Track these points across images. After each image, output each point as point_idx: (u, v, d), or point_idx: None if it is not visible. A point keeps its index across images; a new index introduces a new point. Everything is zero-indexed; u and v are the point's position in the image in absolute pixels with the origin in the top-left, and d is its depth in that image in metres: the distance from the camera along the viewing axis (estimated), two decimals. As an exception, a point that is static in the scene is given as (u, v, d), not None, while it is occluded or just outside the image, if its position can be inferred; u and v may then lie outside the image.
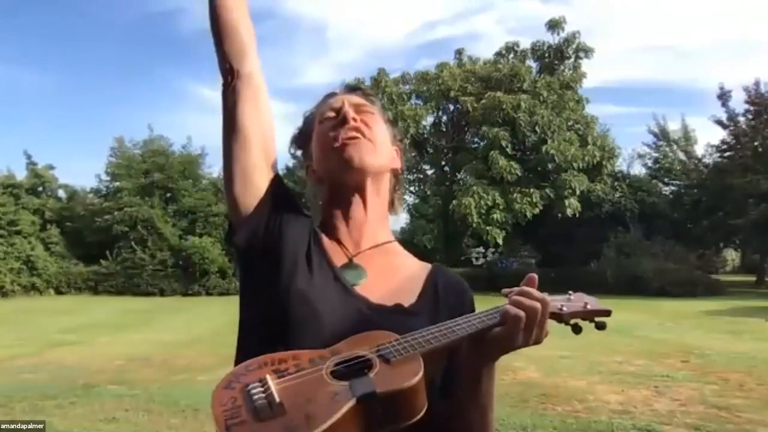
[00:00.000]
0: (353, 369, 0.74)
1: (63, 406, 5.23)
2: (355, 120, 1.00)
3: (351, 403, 0.69)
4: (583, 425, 4.56)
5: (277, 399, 0.70)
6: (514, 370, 6.59)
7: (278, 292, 0.89)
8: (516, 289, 0.84)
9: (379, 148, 1.02)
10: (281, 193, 1.00)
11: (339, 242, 1.00)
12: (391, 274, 0.99)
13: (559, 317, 0.89)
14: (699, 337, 9.22)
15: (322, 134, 1.02)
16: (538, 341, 0.83)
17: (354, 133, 0.99)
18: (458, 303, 0.98)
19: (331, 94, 1.09)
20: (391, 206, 1.10)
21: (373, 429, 0.71)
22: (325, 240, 1.00)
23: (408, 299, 0.94)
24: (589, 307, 0.91)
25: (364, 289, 0.94)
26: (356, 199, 1.01)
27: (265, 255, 0.93)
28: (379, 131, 1.04)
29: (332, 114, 1.03)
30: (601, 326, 0.93)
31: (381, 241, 1.02)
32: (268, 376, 0.73)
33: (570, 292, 0.94)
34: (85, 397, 5.57)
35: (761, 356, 7.42)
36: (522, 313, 0.80)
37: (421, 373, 0.73)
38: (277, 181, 1.01)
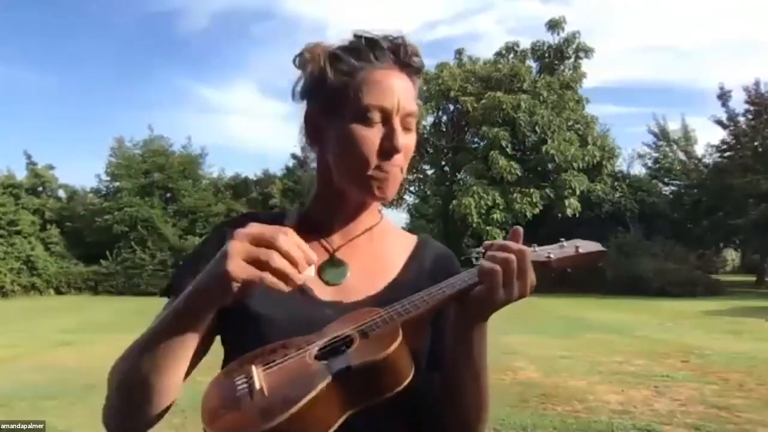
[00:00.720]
0: (335, 349, 0.74)
1: (63, 406, 5.24)
2: (400, 150, 0.86)
3: (327, 380, 0.68)
4: (583, 425, 4.56)
5: (257, 386, 0.70)
6: (514, 370, 6.59)
7: (241, 321, 0.84)
8: (495, 242, 0.80)
9: (404, 171, 0.91)
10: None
11: (318, 239, 0.93)
12: (376, 261, 0.95)
13: (548, 266, 0.83)
14: (699, 337, 9.21)
15: (357, 143, 0.85)
16: (522, 295, 0.78)
17: (393, 170, 0.87)
18: (447, 276, 0.91)
19: (378, 52, 0.87)
20: None
21: (355, 404, 0.70)
22: None
23: (390, 285, 0.91)
24: (581, 250, 0.85)
25: (346, 287, 0.90)
26: (355, 204, 0.94)
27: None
28: (411, 150, 0.91)
29: (377, 118, 0.86)
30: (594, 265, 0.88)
31: (368, 225, 0.97)
32: (253, 367, 0.74)
33: (562, 239, 0.87)
34: (85, 397, 5.56)
35: (761, 356, 7.42)
36: (497, 267, 0.75)
37: (397, 341, 0.71)
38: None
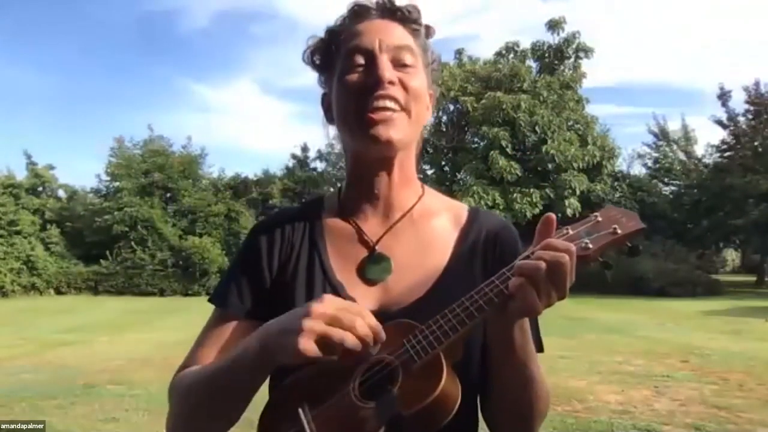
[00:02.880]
0: (378, 381, 0.72)
1: (63, 406, 5.23)
2: (391, 83, 0.82)
3: (381, 430, 0.68)
4: (583, 425, 4.56)
5: None
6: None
7: None
8: (545, 243, 0.70)
9: (415, 119, 0.85)
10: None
11: (360, 230, 0.90)
12: (422, 250, 0.89)
13: (586, 259, 0.71)
14: (699, 337, 9.20)
15: (344, 91, 0.84)
16: (562, 297, 0.70)
17: (387, 103, 0.81)
18: (500, 253, 0.88)
19: (362, 10, 0.87)
20: (418, 160, 0.95)
21: None
22: (335, 240, 0.91)
23: (438, 282, 0.85)
24: (619, 231, 0.72)
25: (390, 287, 0.86)
26: (382, 174, 0.88)
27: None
28: (418, 91, 0.85)
29: (360, 60, 0.83)
30: (634, 252, 0.75)
31: (410, 204, 0.91)
32: (301, 413, 0.73)
33: (596, 213, 0.76)
34: (85, 397, 5.56)
35: (761, 356, 7.42)
36: (524, 282, 0.68)
37: (444, 378, 0.69)
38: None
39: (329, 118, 0.92)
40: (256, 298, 0.90)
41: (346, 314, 0.68)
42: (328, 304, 0.68)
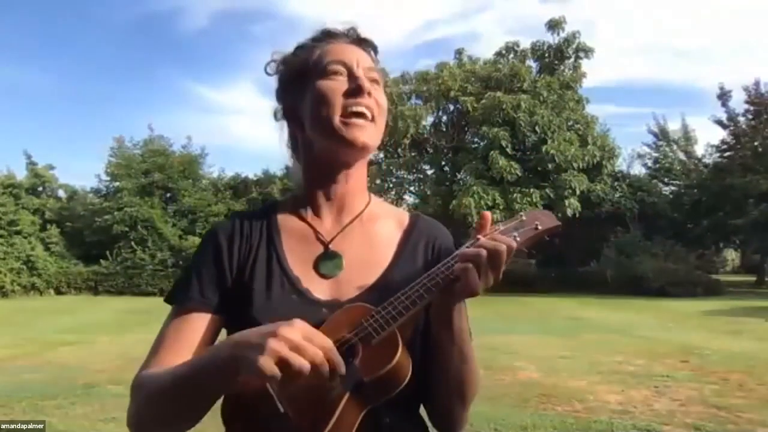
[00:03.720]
0: (341, 356, 0.77)
1: (63, 406, 5.23)
2: (369, 94, 0.92)
3: (345, 396, 0.77)
4: (583, 425, 4.56)
5: (281, 409, 0.76)
6: (514, 370, 6.59)
7: (242, 329, 0.84)
8: (484, 235, 0.84)
9: (380, 132, 0.96)
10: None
11: (314, 228, 0.97)
12: (370, 249, 0.97)
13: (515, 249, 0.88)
14: (699, 337, 9.21)
15: (325, 94, 0.92)
16: (496, 282, 0.83)
17: (365, 110, 0.91)
18: (438, 250, 1.00)
19: (333, 35, 0.98)
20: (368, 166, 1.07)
21: (370, 404, 0.80)
22: (290, 238, 0.97)
23: (384, 275, 0.95)
24: (540, 227, 0.91)
25: (342, 280, 0.93)
26: (342, 176, 0.97)
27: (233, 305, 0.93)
28: (384, 108, 0.97)
29: (341, 69, 0.93)
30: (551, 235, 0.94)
31: (360, 209, 1.00)
32: (270, 389, 0.77)
33: (522, 213, 0.94)
34: (85, 397, 5.56)
35: (761, 356, 7.42)
36: (469, 266, 0.80)
37: (399, 349, 0.79)
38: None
39: (294, 124, 1.00)
40: (218, 292, 0.93)
41: (308, 345, 0.71)
42: (296, 330, 0.72)
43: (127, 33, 54.83)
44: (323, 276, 0.94)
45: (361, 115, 0.91)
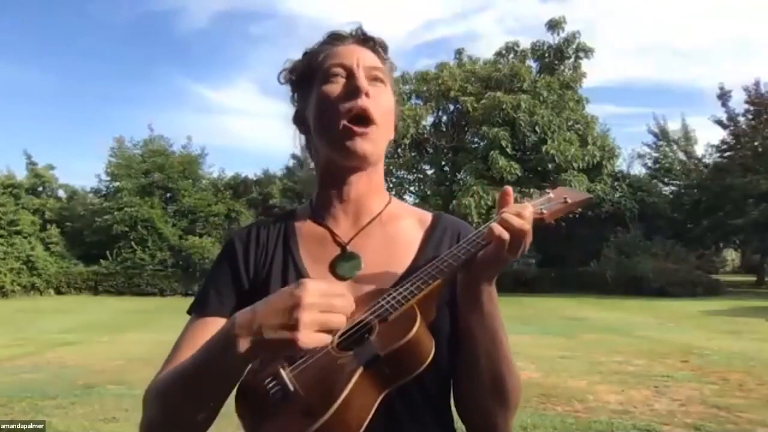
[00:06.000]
0: (356, 337, 0.76)
1: (63, 406, 5.22)
2: (367, 94, 0.90)
3: (359, 371, 0.71)
4: (583, 425, 4.56)
5: (291, 387, 0.72)
6: (514, 370, 6.58)
7: None
8: (509, 208, 0.85)
9: (384, 133, 0.94)
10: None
11: (331, 231, 0.96)
12: (390, 250, 0.94)
13: (542, 221, 0.89)
14: (699, 337, 9.20)
15: (325, 99, 0.91)
16: (522, 253, 0.83)
17: (362, 113, 0.89)
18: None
19: (339, 37, 0.97)
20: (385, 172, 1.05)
21: (387, 386, 0.73)
22: (307, 242, 0.96)
23: (405, 275, 0.90)
24: (569, 201, 0.91)
25: (361, 281, 0.91)
26: (353, 179, 0.95)
27: None
28: (388, 108, 0.94)
29: (341, 71, 0.92)
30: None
31: (378, 210, 0.98)
32: (280, 369, 0.74)
33: (548, 190, 0.94)
34: (85, 397, 5.56)
35: (761, 356, 7.42)
36: (506, 234, 0.79)
37: (417, 323, 0.74)
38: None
39: (303, 129, 1.01)
40: (234, 297, 0.92)
41: (336, 300, 0.69)
42: (314, 292, 0.68)
43: (127, 33, 54.97)
44: (340, 278, 0.92)
45: (360, 120, 0.89)
